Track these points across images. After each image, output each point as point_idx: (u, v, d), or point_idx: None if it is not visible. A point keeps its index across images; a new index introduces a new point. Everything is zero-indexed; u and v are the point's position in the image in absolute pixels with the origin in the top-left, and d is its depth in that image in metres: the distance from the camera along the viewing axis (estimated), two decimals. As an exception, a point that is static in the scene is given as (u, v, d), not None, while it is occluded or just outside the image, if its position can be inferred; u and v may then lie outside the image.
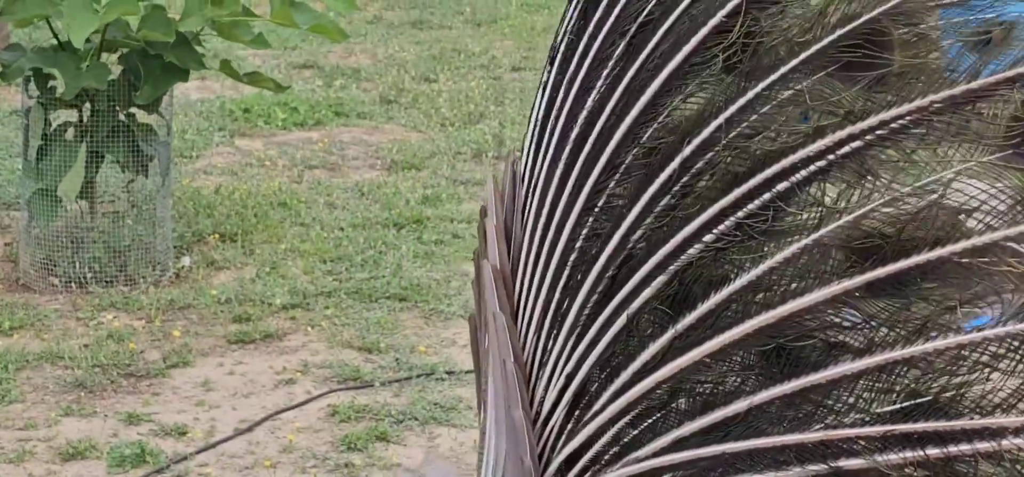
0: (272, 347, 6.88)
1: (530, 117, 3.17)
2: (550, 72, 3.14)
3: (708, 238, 2.78)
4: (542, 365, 3.01)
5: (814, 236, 2.69)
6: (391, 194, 9.01)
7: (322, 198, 8.95)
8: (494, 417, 3.03)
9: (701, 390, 2.83)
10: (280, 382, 6.52)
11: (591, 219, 2.97)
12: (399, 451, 5.90)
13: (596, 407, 2.91)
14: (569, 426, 2.97)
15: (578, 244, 2.97)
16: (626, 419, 2.88)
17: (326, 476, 5.69)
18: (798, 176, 2.72)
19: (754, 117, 2.78)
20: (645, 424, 2.87)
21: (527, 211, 3.08)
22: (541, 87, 3.16)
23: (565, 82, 3.07)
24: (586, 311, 2.93)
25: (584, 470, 2.95)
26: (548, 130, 3.07)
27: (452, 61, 13.34)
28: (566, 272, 2.97)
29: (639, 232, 2.87)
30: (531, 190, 3.08)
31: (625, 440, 2.90)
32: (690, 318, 2.78)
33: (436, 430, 6.10)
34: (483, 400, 3.13)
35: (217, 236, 8.09)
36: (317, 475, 5.68)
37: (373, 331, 7.02)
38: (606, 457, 2.92)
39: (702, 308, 2.77)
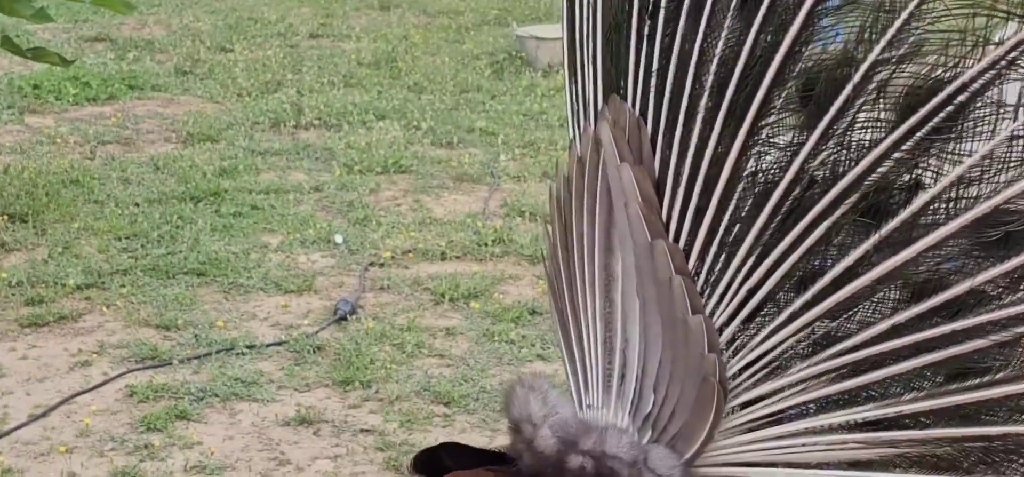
0: (66, 329, 6.73)
1: (629, 68, 3.33)
2: (653, 23, 3.32)
3: (897, 155, 3.07)
4: (710, 284, 3.29)
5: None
6: (187, 167, 8.88)
7: (116, 174, 8.77)
8: (647, 333, 3.31)
9: (915, 279, 3.13)
10: (76, 364, 6.38)
11: (754, 152, 3.22)
12: (199, 429, 5.82)
13: (788, 313, 3.21)
14: (748, 334, 3.27)
15: (745, 175, 3.23)
16: (824, 319, 3.20)
17: (125, 458, 5.58)
18: (977, 84, 3.02)
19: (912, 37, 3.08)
20: (851, 316, 3.20)
21: (665, 149, 3.32)
22: (645, 38, 3.33)
23: (693, 27, 3.27)
24: (767, 234, 3.21)
25: (767, 366, 3.27)
26: (679, 76, 3.28)
27: (248, 30, 13.19)
28: (734, 202, 3.24)
29: (819, 159, 3.15)
30: (667, 132, 3.30)
31: (819, 334, 3.21)
32: (895, 222, 3.10)
33: (238, 405, 6.03)
34: (589, 333, 3.39)
35: (5, 217, 7.88)
36: (115, 458, 5.57)
37: (171, 308, 6.91)
38: (796, 352, 3.24)
39: (910, 209, 3.08)
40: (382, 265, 7.55)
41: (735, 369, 3.31)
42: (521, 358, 6.47)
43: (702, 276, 3.32)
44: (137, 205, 8.24)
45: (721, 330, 3.29)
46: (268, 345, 6.56)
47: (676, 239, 3.32)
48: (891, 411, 3.21)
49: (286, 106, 10.42)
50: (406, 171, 9.13)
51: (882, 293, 3.21)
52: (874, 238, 3.16)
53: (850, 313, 3.23)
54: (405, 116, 10.38)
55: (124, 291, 7.08)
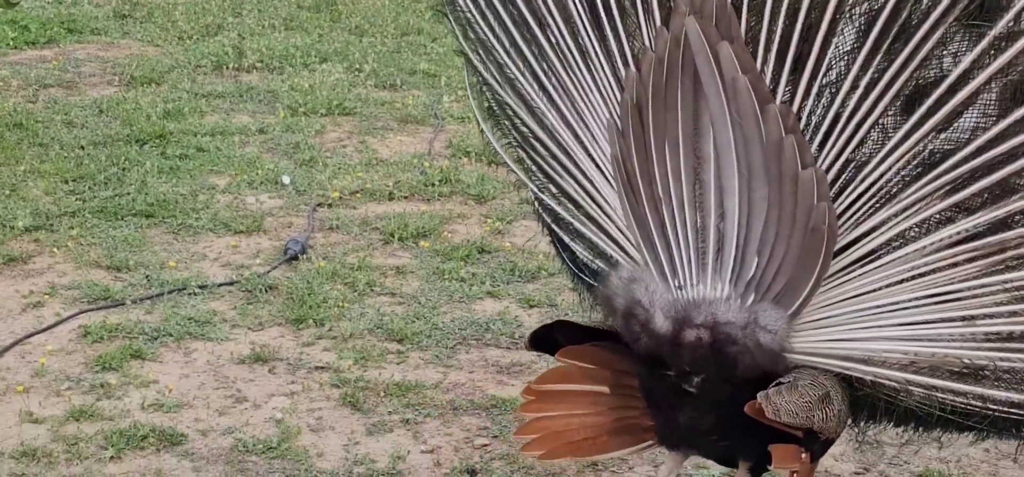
0: (17, 271, 6.73)
1: None
2: None
3: None
4: (813, 131, 3.55)
5: None
6: (131, 110, 8.86)
7: (60, 117, 8.74)
8: (749, 201, 3.56)
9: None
10: (28, 306, 6.39)
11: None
12: (155, 368, 5.86)
13: (897, 138, 3.51)
14: (853, 171, 3.56)
15: (847, 9, 3.48)
16: (933, 135, 3.49)
17: (81, 397, 5.61)
18: None
19: None
20: (960, 127, 3.50)
21: (752, 18, 3.55)
22: None
23: None
24: (875, 61, 3.49)
25: (874, 199, 3.55)
26: None
27: (186, -27, 13.12)
28: (834, 42, 3.50)
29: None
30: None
31: (928, 152, 3.50)
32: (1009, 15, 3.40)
33: (192, 344, 6.07)
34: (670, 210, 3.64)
35: (-49, 160, 7.86)
36: (72, 397, 5.60)
37: (121, 249, 6.92)
38: (904, 177, 3.53)
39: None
40: (330, 206, 7.60)
41: (839, 210, 3.55)
42: (472, 295, 6.55)
43: (808, 128, 3.55)
44: (82, 147, 8.22)
45: (828, 175, 3.54)
46: (220, 285, 6.60)
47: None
48: (1002, 212, 3.46)
49: (228, 49, 10.40)
50: (350, 113, 9.15)
51: (989, 96, 3.45)
52: (988, 38, 3.38)
53: (959, 124, 3.47)
54: (347, 59, 10.39)
55: (73, 233, 7.08)
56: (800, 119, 3.55)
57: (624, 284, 3.74)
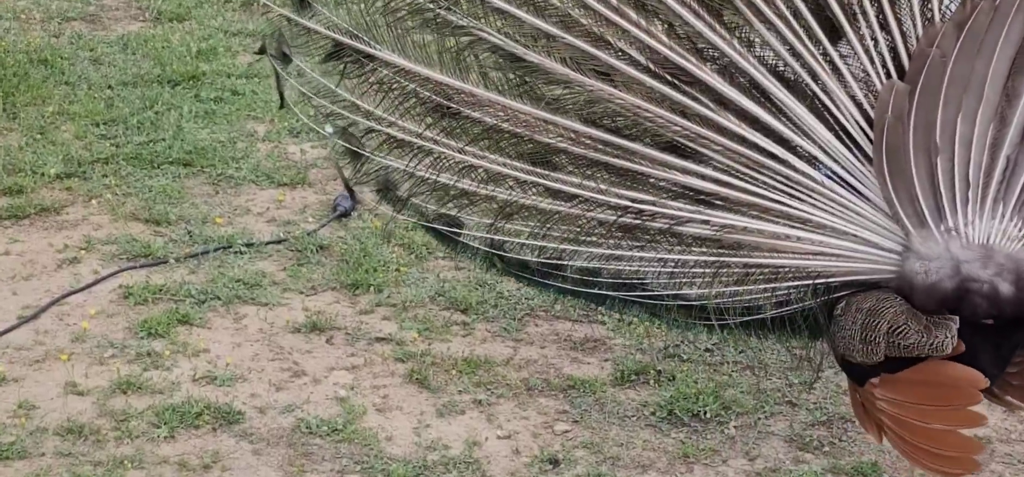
0: (49, 222, 6.31)
1: None
2: None
3: None
4: None
5: None
6: (160, 48, 8.40)
7: (85, 53, 8.29)
8: None
9: None
10: (63, 261, 5.98)
11: None
12: (204, 335, 5.46)
13: None
14: None
15: None
16: None
17: (127, 366, 5.21)
18: None
19: None
20: None
21: None
22: None
23: None
24: None
25: None
26: None
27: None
28: None
29: None
30: None
31: None
32: None
33: (242, 309, 5.66)
34: None
35: (-24, 100, 7.42)
36: (117, 366, 5.20)
37: (159, 201, 6.50)
38: None
39: None
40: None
41: None
42: (535, 261, 6.13)
43: None
44: (111, 87, 7.78)
45: None
46: (267, 243, 6.19)
47: None
48: None
49: (256, -16, 9.94)
50: (390, 56, 8.70)
51: None
52: None
53: None
54: (382, -3, 9.93)
55: (107, 182, 6.66)
56: None
57: (945, 266, 3.62)
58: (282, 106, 4.67)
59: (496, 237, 4.22)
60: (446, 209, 4.26)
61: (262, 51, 4.68)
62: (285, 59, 4.50)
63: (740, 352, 5.44)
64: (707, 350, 5.48)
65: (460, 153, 4.03)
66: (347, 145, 4.39)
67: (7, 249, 6.06)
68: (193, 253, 6.04)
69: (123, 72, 8.00)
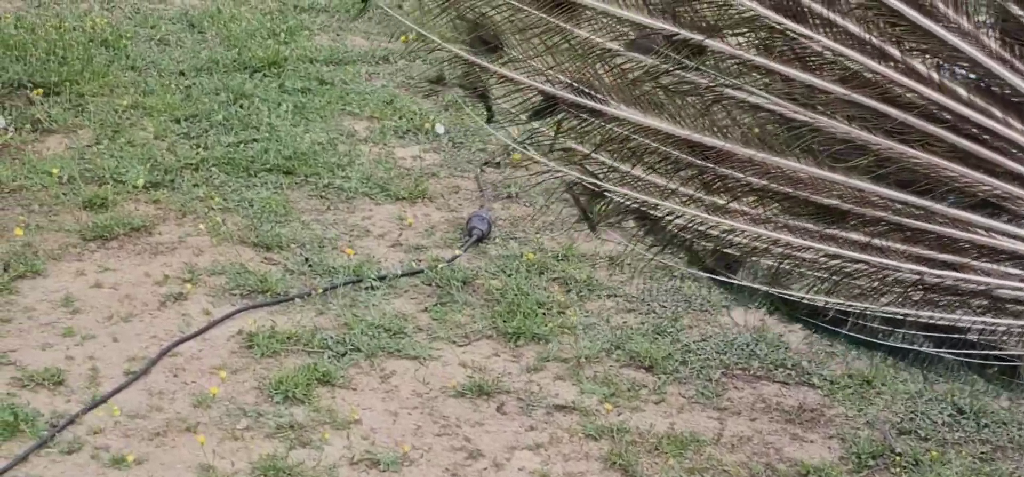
0: (142, 244, 5.40)
1: None
2: None
3: None
4: None
5: None
6: (230, 28, 7.44)
7: (147, 31, 7.35)
8: None
9: None
10: (166, 298, 5.06)
11: None
12: (350, 399, 4.56)
13: None
14: None
15: None
16: None
17: (269, 444, 4.31)
18: None
19: None
20: None
21: None
22: None
23: None
24: None
25: None
26: None
27: None
28: None
29: None
30: None
31: None
32: None
33: (388, 364, 4.77)
34: None
35: (40, 91, 6.44)
36: (254, 443, 4.31)
37: (265, 219, 5.59)
38: None
39: None
40: (498, 165, 6.27)
41: None
42: (712, 302, 5.25)
43: None
44: (183, 74, 6.85)
45: None
46: (400, 275, 5.29)
47: None
48: None
49: (320, -51, 8.97)
50: (484, 38, 7.79)
51: None
52: None
53: None
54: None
55: (200, 192, 5.74)
56: None
57: None
58: (490, 120, 3.85)
59: (777, 288, 3.59)
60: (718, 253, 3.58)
61: (439, 81, 3.87)
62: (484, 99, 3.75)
63: (984, 426, 4.60)
64: (945, 424, 4.63)
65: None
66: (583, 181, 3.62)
67: (98, 280, 5.14)
68: (319, 289, 5.13)
69: (195, 56, 7.06)
